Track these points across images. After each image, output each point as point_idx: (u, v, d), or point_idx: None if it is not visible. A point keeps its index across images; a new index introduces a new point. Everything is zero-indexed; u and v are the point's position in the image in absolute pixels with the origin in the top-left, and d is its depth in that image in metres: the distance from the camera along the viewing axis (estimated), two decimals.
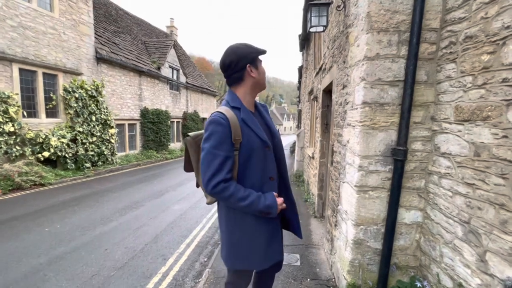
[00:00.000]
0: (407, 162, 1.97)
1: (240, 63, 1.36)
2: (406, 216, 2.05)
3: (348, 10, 2.41)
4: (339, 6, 2.58)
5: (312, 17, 2.52)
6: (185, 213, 4.90)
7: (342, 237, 2.43)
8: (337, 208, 2.68)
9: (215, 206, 5.36)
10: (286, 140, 29.14)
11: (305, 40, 7.72)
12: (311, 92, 6.24)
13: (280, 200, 1.39)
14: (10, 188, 5.93)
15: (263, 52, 1.42)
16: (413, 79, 1.85)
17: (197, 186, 1.65)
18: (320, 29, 2.63)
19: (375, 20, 1.90)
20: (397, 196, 1.97)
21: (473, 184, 1.52)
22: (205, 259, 3.25)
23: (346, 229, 2.30)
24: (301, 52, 9.49)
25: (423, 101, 1.93)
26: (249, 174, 1.36)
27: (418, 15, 1.78)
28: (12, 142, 6.43)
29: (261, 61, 1.45)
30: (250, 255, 1.42)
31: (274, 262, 1.48)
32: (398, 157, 1.91)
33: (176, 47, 15.84)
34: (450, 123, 1.74)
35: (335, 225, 2.73)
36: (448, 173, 1.74)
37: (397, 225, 2.03)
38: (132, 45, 12.55)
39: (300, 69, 11.00)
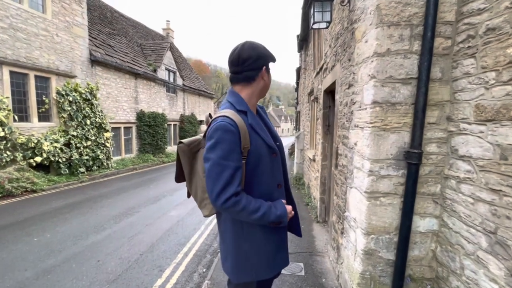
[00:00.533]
0: (421, 166, 1.83)
1: (258, 61, 1.27)
2: (421, 224, 1.90)
3: (353, 5, 2.27)
4: (343, 1, 2.44)
5: (315, 13, 2.39)
6: (182, 219, 4.72)
7: (350, 246, 2.28)
8: (343, 215, 2.53)
9: None
10: (284, 142, 28.99)
11: (304, 40, 7.61)
12: (311, 93, 6.11)
13: (289, 208, 1.31)
14: (0, 195, 5.70)
15: (275, 60, 1.35)
16: (428, 76, 1.71)
17: (188, 196, 1.49)
18: (324, 25, 2.50)
19: (385, 13, 1.76)
20: (411, 202, 1.83)
21: (500, 190, 1.37)
22: (204, 270, 3.08)
23: (355, 238, 2.15)
24: (299, 53, 9.38)
25: (438, 100, 1.79)
26: (257, 183, 1.26)
27: (433, 7, 1.64)
28: (2, 147, 6.20)
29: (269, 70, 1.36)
30: (258, 266, 1.34)
31: (280, 269, 1.42)
32: (412, 160, 1.76)
33: (173, 49, 15.69)
34: (469, 123, 1.60)
35: (342, 233, 2.58)
36: (468, 178, 1.60)
37: (411, 234, 1.89)
38: (128, 48, 12.37)
39: (298, 70, 10.90)
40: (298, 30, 7.48)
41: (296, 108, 21.38)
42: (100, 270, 2.97)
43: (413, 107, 1.78)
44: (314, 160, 5.36)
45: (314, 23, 2.44)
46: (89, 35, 9.35)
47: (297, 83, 13.21)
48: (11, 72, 6.66)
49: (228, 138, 1.14)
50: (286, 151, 16.78)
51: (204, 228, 4.33)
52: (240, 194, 1.16)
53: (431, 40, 1.68)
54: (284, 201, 1.32)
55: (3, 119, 6.21)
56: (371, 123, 1.86)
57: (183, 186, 7.34)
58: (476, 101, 1.54)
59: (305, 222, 4.41)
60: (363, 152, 1.98)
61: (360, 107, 2.08)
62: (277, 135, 1.45)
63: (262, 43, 1.31)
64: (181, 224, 4.46)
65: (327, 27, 2.62)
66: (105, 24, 12.01)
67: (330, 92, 3.90)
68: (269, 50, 1.33)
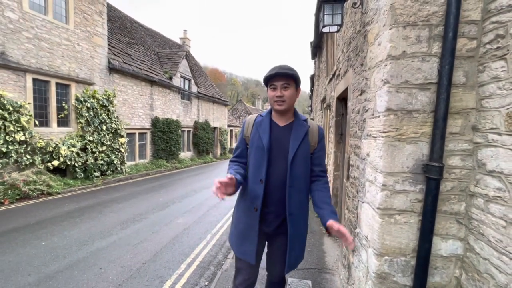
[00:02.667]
0: (443, 181, 1.63)
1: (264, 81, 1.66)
2: (443, 246, 1.68)
3: (366, 6, 2.14)
4: (355, 3, 2.31)
5: (325, 16, 2.26)
6: (189, 227, 4.62)
7: (361, 267, 2.08)
8: (355, 231, 2.33)
9: (221, 220, 5.06)
10: None
11: (317, 47, 7.49)
12: (323, 100, 5.95)
13: (216, 181, 1.38)
14: (18, 197, 5.88)
15: (265, 78, 1.61)
16: (450, 81, 1.53)
17: None
18: (334, 28, 2.37)
19: (400, 12, 1.61)
20: (431, 222, 1.62)
21: None
22: (206, 283, 2.94)
23: (366, 258, 1.95)
24: (313, 60, 9.27)
25: (461, 108, 1.60)
26: (250, 169, 1.63)
27: (455, 4, 1.48)
28: (22, 151, 6.45)
29: (272, 86, 1.59)
30: (232, 237, 1.74)
31: (245, 259, 1.62)
32: (431, 175, 1.57)
33: (188, 57, 16.03)
34: (499, 134, 1.40)
35: (353, 251, 2.38)
36: (498, 197, 1.39)
37: (431, 257, 1.67)
38: (145, 56, 12.76)
39: (312, 78, 10.76)
40: (312, 37, 7.38)
41: (310, 116, 21.10)
42: (101, 279, 2.90)
43: (433, 115, 1.60)
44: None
45: (324, 26, 2.31)
46: (109, 44, 9.71)
47: (311, 91, 13.05)
48: (34, 80, 6.98)
49: (242, 128, 1.78)
50: None
51: (210, 238, 4.21)
52: (231, 161, 1.73)
53: (453, 41, 1.51)
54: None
55: (25, 124, 6.48)
56: (384, 132, 1.69)
57: (192, 193, 7.35)
58: (508, 108, 1.35)
59: (316, 236, 4.19)
60: (376, 164, 1.80)
61: (372, 114, 1.91)
62: (292, 151, 1.59)
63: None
64: (187, 233, 4.37)
65: (338, 31, 2.49)
66: (124, 34, 12.48)
67: (343, 99, 3.74)
68: (270, 70, 1.59)
